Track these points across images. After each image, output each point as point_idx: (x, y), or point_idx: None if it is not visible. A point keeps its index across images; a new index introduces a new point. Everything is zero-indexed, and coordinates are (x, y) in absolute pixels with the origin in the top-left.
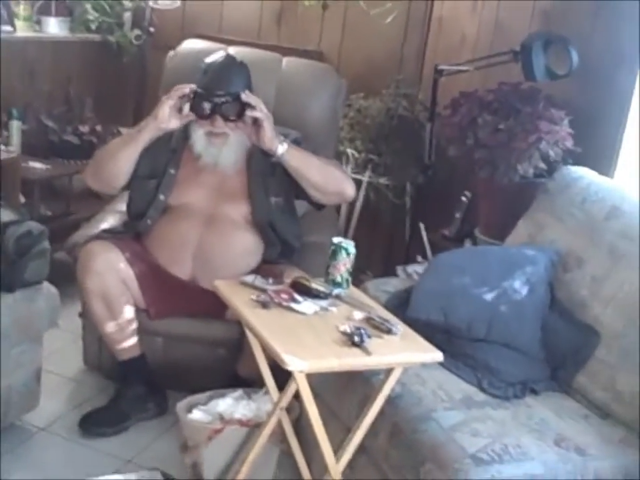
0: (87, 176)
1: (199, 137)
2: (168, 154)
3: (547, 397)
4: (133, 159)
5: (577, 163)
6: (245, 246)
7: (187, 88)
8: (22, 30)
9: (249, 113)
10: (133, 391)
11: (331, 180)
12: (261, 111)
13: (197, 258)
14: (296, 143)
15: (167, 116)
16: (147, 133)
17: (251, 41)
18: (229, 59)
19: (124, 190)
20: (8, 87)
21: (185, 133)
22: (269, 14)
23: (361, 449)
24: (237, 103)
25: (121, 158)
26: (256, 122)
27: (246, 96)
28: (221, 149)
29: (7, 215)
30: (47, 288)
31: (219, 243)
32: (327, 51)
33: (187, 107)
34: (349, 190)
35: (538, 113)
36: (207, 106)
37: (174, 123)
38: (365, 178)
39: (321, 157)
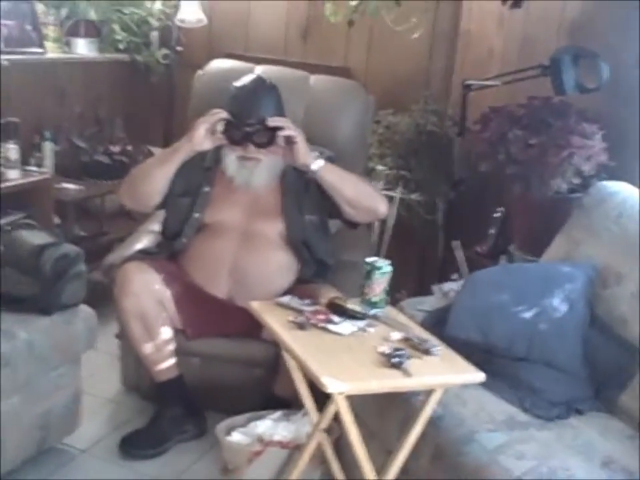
0: (121, 195)
1: (231, 160)
2: (202, 172)
3: (591, 417)
4: (167, 178)
5: (611, 177)
6: (281, 263)
7: (223, 114)
8: (52, 51)
9: (281, 133)
10: (171, 412)
11: (364, 196)
12: (290, 129)
13: (232, 276)
14: (330, 161)
15: (202, 138)
16: (181, 153)
17: (278, 58)
18: (258, 82)
19: (157, 209)
20: (39, 109)
21: (217, 153)
22: (295, 30)
23: (403, 471)
24: (268, 130)
25: (156, 177)
26: (289, 140)
27: (272, 121)
28: (252, 171)
29: (42, 238)
30: (84, 310)
31: (254, 261)
32: (353, 67)
33: (219, 129)
34: (382, 206)
35: (570, 127)
36: (238, 134)
37: (207, 144)
38: (397, 194)
39: (355, 175)
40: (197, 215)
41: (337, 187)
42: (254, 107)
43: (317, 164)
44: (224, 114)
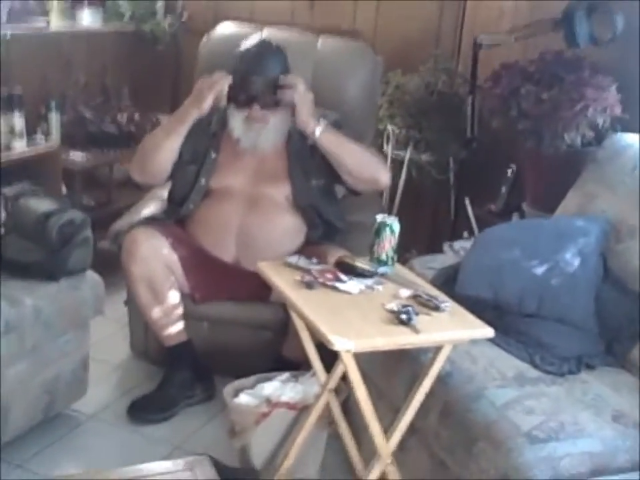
0: (132, 171)
1: (237, 122)
2: (208, 138)
3: (602, 372)
4: (176, 149)
5: (626, 129)
6: (288, 227)
7: (229, 79)
8: (56, 23)
9: (281, 96)
10: (180, 376)
11: (365, 166)
12: (295, 92)
13: (239, 240)
14: (336, 125)
15: (209, 105)
16: (188, 121)
17: (285, 22)
18: (265, 44)
19: (168, 180)
20: (45, 80)
21: (223, 118)
22: None
23: (411, 429)
24: (273, 90)
25: (165, 150)
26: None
27: (282, 79)
28: (259, 133)
29: (48, 204)
30: (91, 276)
31: (261, 225)
32: (362, 28)
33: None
34: (384, 178)
35: (583, 80)
36: (243, 96)
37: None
38: (407, 155)
39: (358, 143)
40: (203, 181)
41: (337, 156)
42: (259, 67)
43: (317, 130)
44: (230, 79)
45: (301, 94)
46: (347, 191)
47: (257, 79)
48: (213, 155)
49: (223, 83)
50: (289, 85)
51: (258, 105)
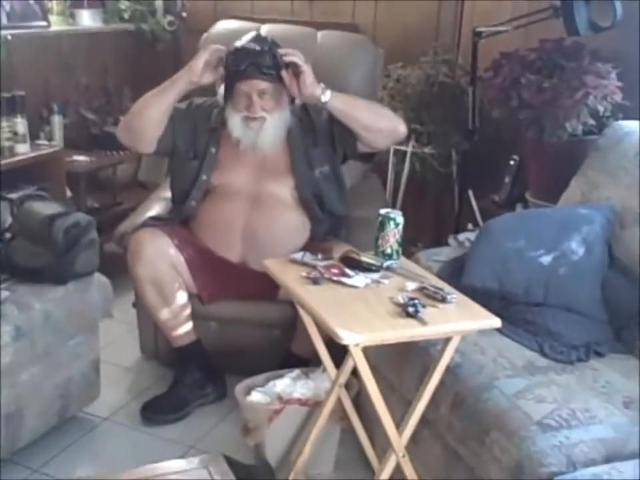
0: (119, 130)
1: (236, 122)
2: (208, 133)
3: (612, 359)
4: (164, 108)
5: (627, 117)
6: (293, 224)
7: (223, 49)
8: (56, 24)
9: (286, 58)
10: (190, 377)
11: (381, 117)
12: (299, 59)
13: (245, 239)
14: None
15: (201, 69)
16: (179, 84)
17: (285, 18)
18: (259, 36)
19: (157, 153)
20: (46, 82)
21: (223, 115)
22: None
23: (423, 421)
24: (273, 56)
25: (153, 107)
26: (295, 71)
27: (284, 51)
28: (258, 133)
29: (53, 208)
30: (99, 278)
31: (266, 223)
32: (361, 23)
33: (221, 69)
34: (401, 126)
35: (583, 67)
36: (244, 63)
37: (207, 77)
38: (409, 148)
39: (365, 99)
40: (204, 177)
41: (351, 114)
42: (257, 39)
43: (326, 95)
44: (224, 49)
45: (303, 61)
46: (361, 161)
47: (255, 48)
48: (213, 150)
49: (217, 48)
50: (291, 52)
51: (257, 72)
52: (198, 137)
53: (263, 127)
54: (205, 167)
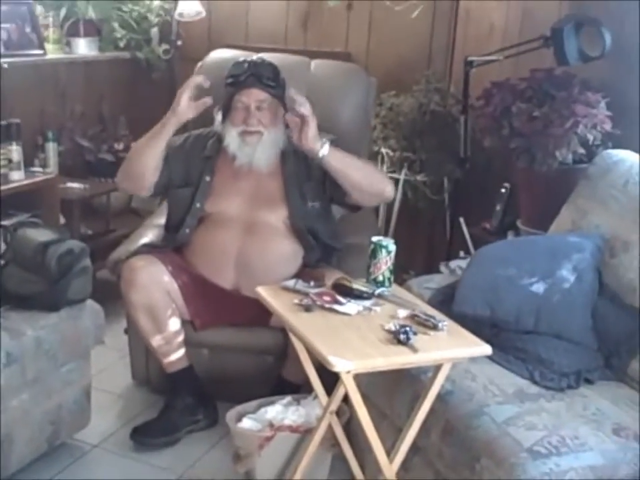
0: (118, 180)
1: (232, 137)
2: (202, 162)
3: (601, 386)
4: (158, 153)
5: (616, 145)
6: (285, 252)
7: (200, 78)
8: (52, 52)
9: (297, 108)
10: (182, 402)
11: (371, 180)
12: (306, 109)
13: (238, 266)
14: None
15: (185, 108)
16: (168, 127)
17: (279, 47)
18: (259, 59)
19: (155, 194)
20: (41, 110)
21: (218, 141)
22: (295, 18)
23: (414, 448)
24: (273, 69)
25: (147, 154)
26: (302, 120)
27: (294, 92)
28: (255, 148)
29: (46, 235)
30: (91, 305)
31: (259, 251)
32: (354, 52)
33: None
34: (389, 189)
35: (573, 97)
36: (244, 74)
37: (191, 113)
38: (402, 176)
39: (360, 158)
40: (198, 205)
41: (344, 173)
42: (258, 59)
43: (324, 149)
44: (200, 77)
45: (310, 112)
46: (347, 210)
47: (256, 60)
48: (207, 179)
49: (194, 80)
50: (299, 98)
51: (257, 88)
52: (192, 166)
53: (260, 141)
54: (198, 195)
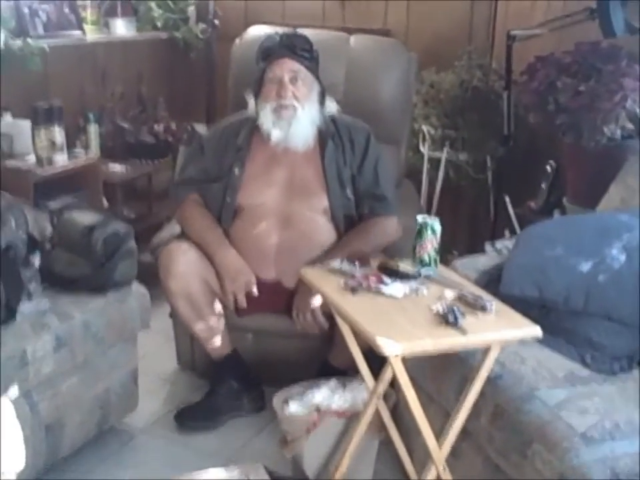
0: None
1: (266, 114)
2: (234, 153)
3: None
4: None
5: None
6: (326, 240)
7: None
8: (91, 33)
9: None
10: (226, 387)
11: (379, 244)
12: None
13: (278, 260)
14: (366, 140)
15: (234, 278)
16: (211, 250)
17: (316, 24)
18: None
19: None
20: (82, 92)
21: (250, 129)
22: None
23: (463, 433)
24: (307, 41)
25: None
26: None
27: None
28: (290, 122)
29: (92, 217)
30: (137, 288)
31: (299, 244)
32: (393, 29)
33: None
34: (395, 237)
35: (621, 70)
36: (276, 46)
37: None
38: (443, 155)
39: (367, 233)
40: (228, 200)
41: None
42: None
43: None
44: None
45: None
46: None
47: (289, 32)
48: (236, 172)
49: (245, 281)
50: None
51: (290, 58)
52: (224, 158)
53: (295, 116)
54: (229, 190)
